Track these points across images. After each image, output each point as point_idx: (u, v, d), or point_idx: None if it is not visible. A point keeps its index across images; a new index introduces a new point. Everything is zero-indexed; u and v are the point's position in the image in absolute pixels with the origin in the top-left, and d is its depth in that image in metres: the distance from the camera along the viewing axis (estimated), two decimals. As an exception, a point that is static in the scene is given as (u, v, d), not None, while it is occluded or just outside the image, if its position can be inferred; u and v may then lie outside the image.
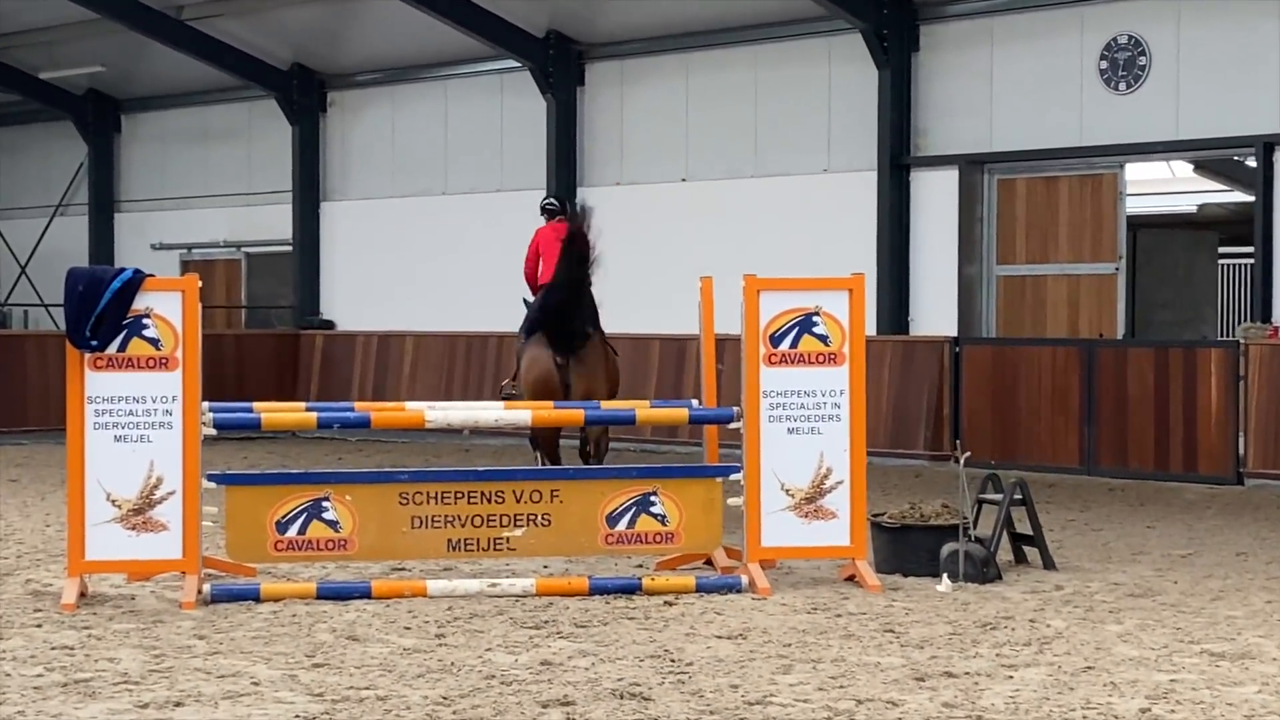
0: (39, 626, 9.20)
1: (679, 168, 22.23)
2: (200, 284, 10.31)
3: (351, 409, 11.53)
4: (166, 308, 10.17)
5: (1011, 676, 8.00)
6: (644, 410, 11.41)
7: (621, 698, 7.47)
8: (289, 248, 26.22)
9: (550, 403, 12.01)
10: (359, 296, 25.36)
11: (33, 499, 15.81)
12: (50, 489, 16.58)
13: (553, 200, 16.54)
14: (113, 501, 10.08)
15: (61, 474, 17.63)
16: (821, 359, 10.58)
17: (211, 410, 10.33)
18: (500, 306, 23.54)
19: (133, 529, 10.10)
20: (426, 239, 24.52)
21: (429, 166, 24.73)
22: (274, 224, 26.48)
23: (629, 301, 22.25)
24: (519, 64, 23.00)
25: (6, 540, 12.76)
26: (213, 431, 10.29)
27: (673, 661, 8.28)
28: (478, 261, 23.77)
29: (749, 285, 10.62)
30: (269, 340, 24.99)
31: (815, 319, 10.59)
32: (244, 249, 27.29)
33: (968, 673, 8.06)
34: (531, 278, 15.40)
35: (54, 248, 30.02)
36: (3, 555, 11.97)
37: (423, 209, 24.63)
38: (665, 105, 22.27)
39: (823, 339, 10.59)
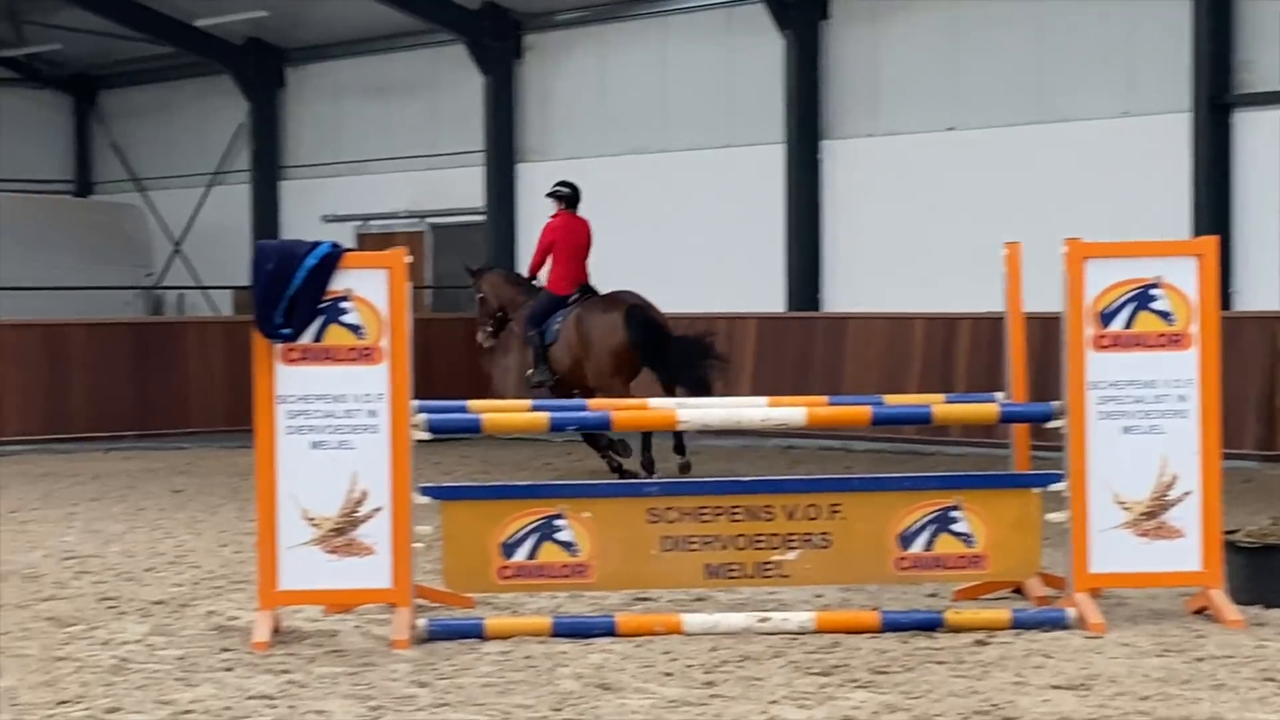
0: (229, 670, 8.97)
1: (945, 115, 21.65)
2: (409, 259, 10.01)
3: (585, 407, 11.12)
4: (369, 288, 9.86)
5: None
6: (942, 406, 10.82)
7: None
8: (480, 217, 26.19)
9: (825, 398, 11.51)
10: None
11: (202, 513, 15.80)
12: (220, 501, 16.72)
13: (562, 185, 18.03)
14: (310, 520, 9.81)
15: (232, 483, 18.10)
16: (1163, 341, 9.96)
17: (423, 410, 10.00)
18: (729, 282, 23.29)
19: (333, 552, 9.82)
20: (641, 204, 24.24)
21: (644, 120, 24.45)
22: (463, 190, 26.43)
23: (884, 274, 21.77)
24: (750, -4, 22.65)
25: (180, 564, 12.66)
26: (425, 436, 9.97)
27: None
28: (702, 230, 23.44)
29: (1072, 251, 10.00)
30: (458, 325, 24.70)
31: (1155, 292, 9.95)
32: (428, 219, 27.35)
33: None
34: (536, 270, 18.10)
35: (211, 222, 30.40)
36: (177, 582, 11.85)
37: (637, 169, 24.39)
38: (928, 42, 21.74)
39: (1164, 316, 9.95)
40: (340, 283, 9.84)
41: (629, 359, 17.32)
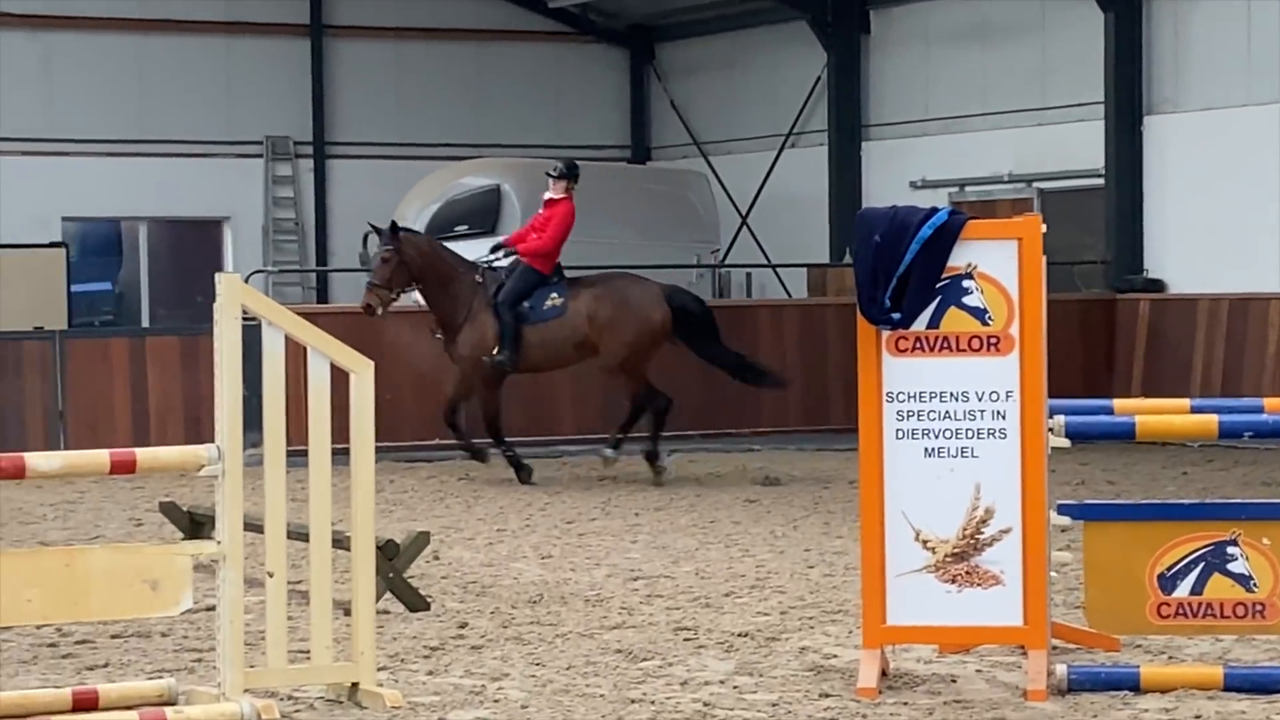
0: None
1: None
2: (1044, 228, 9.54)
3: (1260, 407, 10.41)
4: (996, 264, 9.51)
5: None
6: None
7: None
8: (1098, 180, 25.66)
9: None
10: (1199, 246, 24.50)
11: (782, 527, 15.90)
12: (801, 513, 16.78)
13: (558, 164, 20.13)
14: (924, 543, 9.50)
15: (813, 492, 18.05)
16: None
17: (1060, 411, 9.51)
18: None
19: (951, 581, 9.49)
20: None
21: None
22: (1077, 149, 25.99)
23: None
24: None
25: (762, 588, 12.66)
26: (1065, 443, 9.52)
27: None
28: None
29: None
30: (1072, 308, 24.23)
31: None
32: (1036, 183, 26.94)
33: None
34: (553, 251, 19.68)
35: (782, 190, 30.46)
36: (762, 610, 11.80)
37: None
38: None
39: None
40: (961, 257, 9.50)
41: (665, 336, 19.67)
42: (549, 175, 19.98)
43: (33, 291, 27.69)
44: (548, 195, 19.81)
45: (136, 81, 31.15)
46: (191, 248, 33.02)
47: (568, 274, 19.74)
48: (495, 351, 18.84)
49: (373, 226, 20.53)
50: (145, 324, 30.80)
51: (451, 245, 27.67)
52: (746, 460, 21.29)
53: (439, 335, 19.55)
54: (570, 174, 19.72)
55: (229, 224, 32.27)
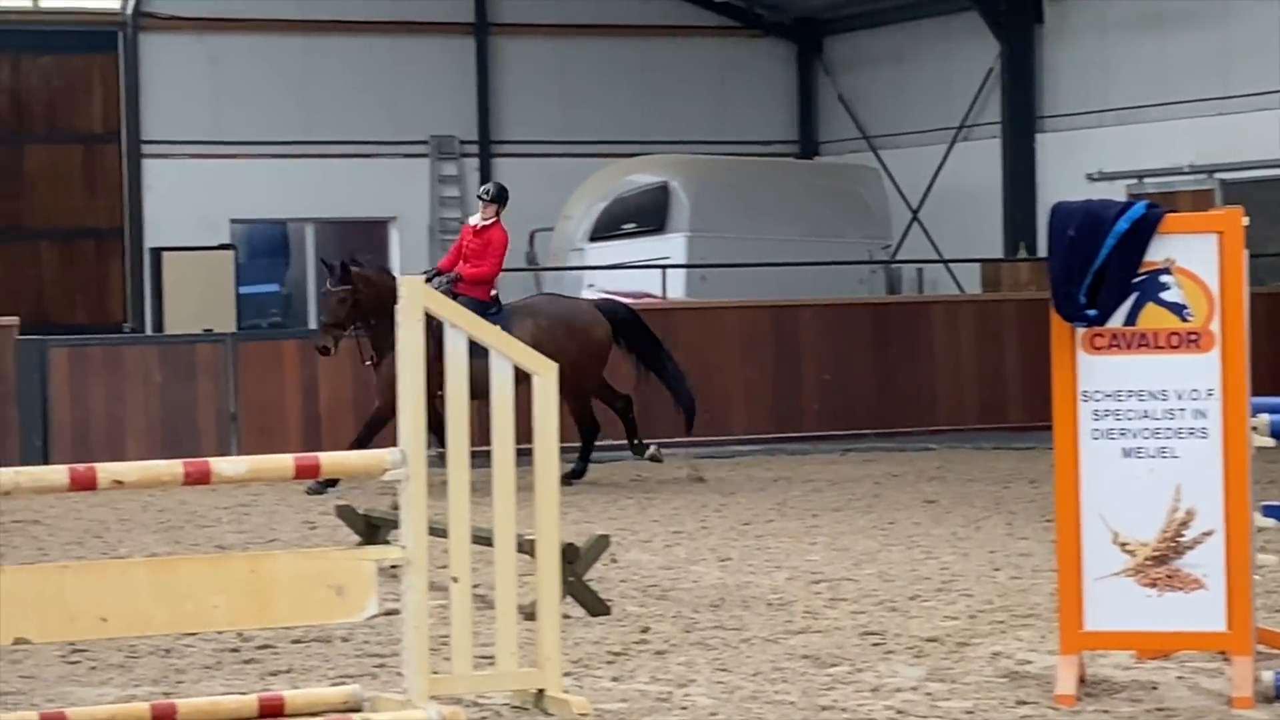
0: None
1: None
2: (1246, 221, 9.37)
3: None
4: (1195, 258, 9.36)
5: None
6: None
7: None
8: None
9: None
10: None
11: (963, 528, 15.71)
12: (982, 514, 16.60)
13: (489, 188, 19.72)
14: (1122, 546, 9.33)
15: (993, 492, 17.88)
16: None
17: (1263, 410, 9.34)
18: None
19: (1151, 585, 9.31)
20: None
21: None
22: (1259, 139, 25.79)
23: None
24: None
25: (948, 591, 12.51)
26: (1269, 442, 9.34)
27: None
28: None
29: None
30: (1258, 302, 23.80)
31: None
32: (1217, 175, 26.64)
33: None
34: (491, 277, 19.15)
35: (954, 184, 30.32)
36: (950, 613, 11.66)
37: None
38: None
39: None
40: (1158, 251, 9.35)
41: (609, 350, 19.87)
42: (480, 199, 19.65)
43: (202, 294, 27.98)
44: (476, 220, 19.39)
45: (301, 83, 31.40)
46: (358, 248, 33.21)
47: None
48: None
49: (324, 263, 20.02)
50: (312, 325, 31.00)
51: (621, 244, 27.84)
52: (924, 460, 21.10)
53: (369, 363, 19.20)
54: (500, 198, 19.40)
55: (395, 224, 32.49)
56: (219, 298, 28.07)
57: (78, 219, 30.96)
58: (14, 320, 21.25)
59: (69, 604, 8.61)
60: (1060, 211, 9.57)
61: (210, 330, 23.97)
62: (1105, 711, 8.88)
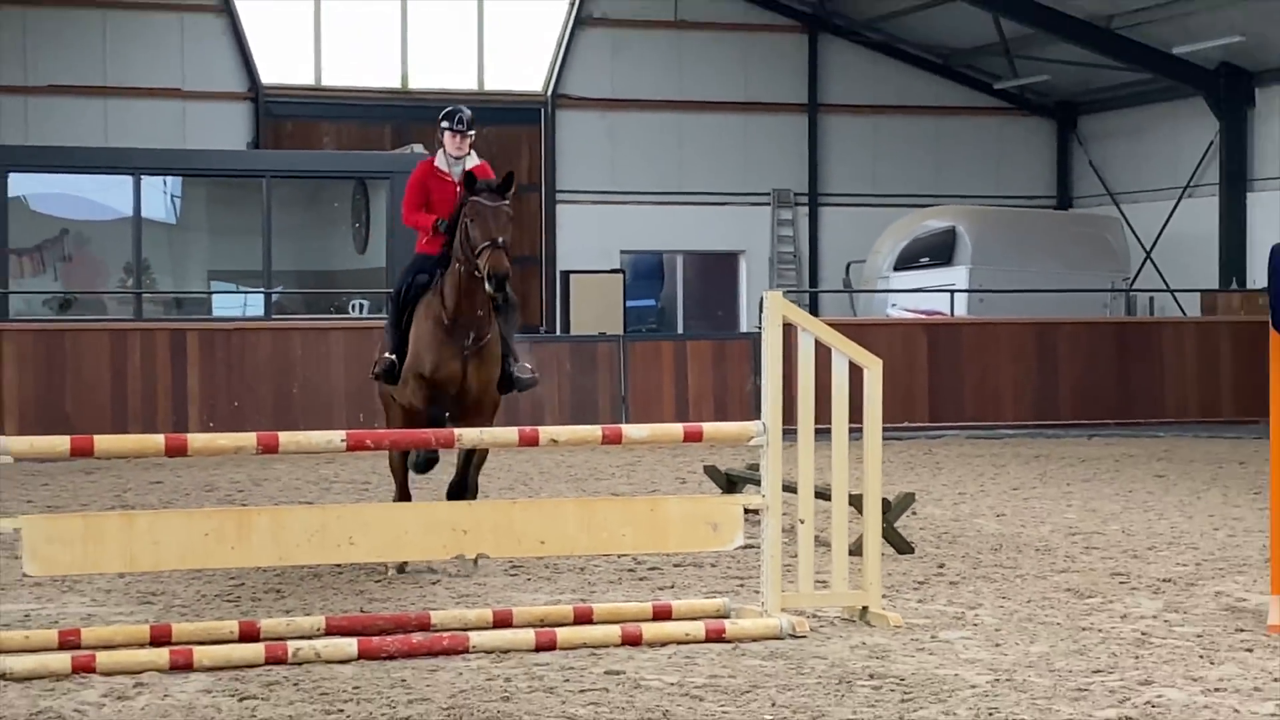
0: (1249, 651, 8.34)
1: None
2: None
3: None
4: None
5: None
6: None
7: None
8: None
9: None
10: None
11: (1187, 497, 15.29)
12: (1203, 487, 16.16)
13: (463, 115, 11.01)
14: None
15: (1210, 470, 17.60)
16: None
17: None
18: None
19: None
20: None
21: None
22: None
23: None
24: None
25: (1177, 544, 12.17)
26: None
27: None
28: None
29: None
30: None
31: None
32: None
33: None
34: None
35: (1180, 231, 29.73)
36: (1180, 561, 11.36)
37: None
38: None
39: None
40: None
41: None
42: (458, 131, 10.94)
43: (599, 306, 28.26)
44: (456, 163, 11.04)
45: (676, 147, 31.58)
46: (715, 274, 33.36)
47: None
48: None
49: None
50: (679, 330, 31.29)
51: (917, 273, 27.69)
52: (1154, 444, 20.68)
53: None
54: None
55: (743, 256, 32.53)
56: (610, 309, 28.33)
57: (514, 249, 31.46)
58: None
59: (516, 530, 8.84)
60: (1278, 251, 9.40)
61: (603, 333, 24.24)
62: None
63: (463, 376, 10.25)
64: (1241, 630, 8.85)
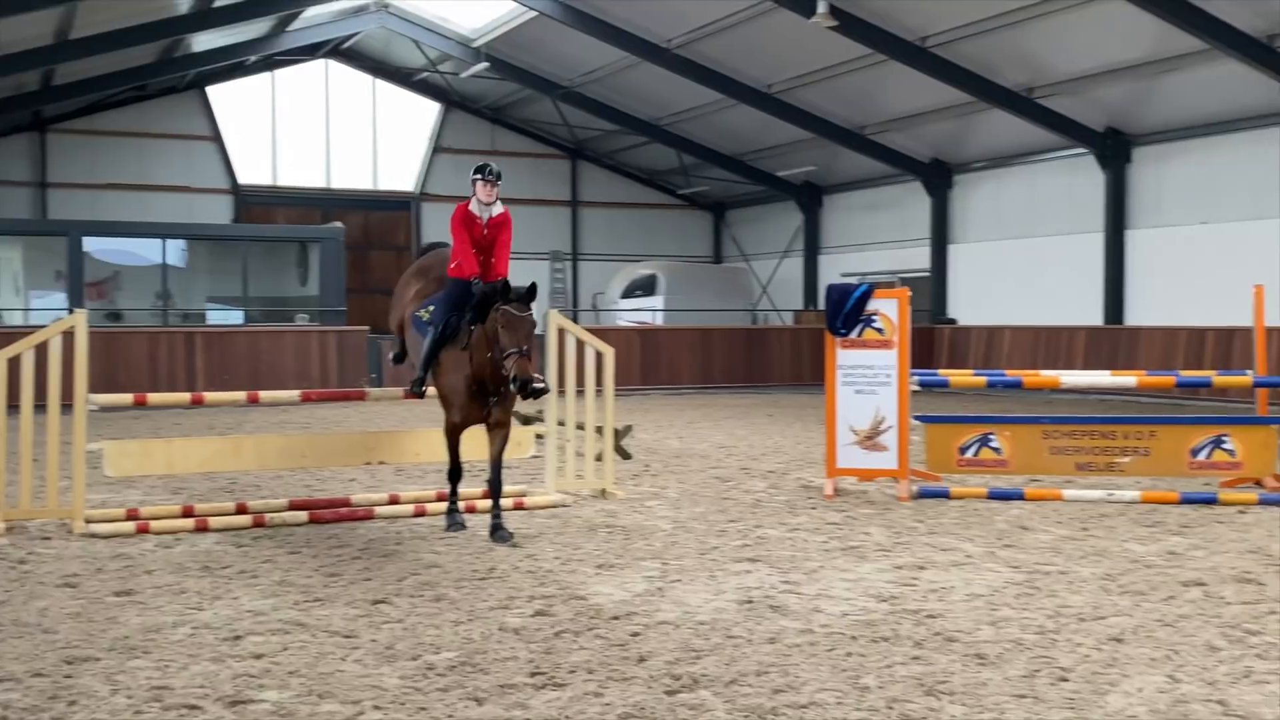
0: (814, 509, 8.65)
1: (1200, 214, 19.66)
2: (911, 294, 9.55)
3: (1004, 374, 10.43)
4: (888, 309, 9.38)
5: None
6: (1218, 376, 9.68)
7: (1241, 582, 6.23)
8: (927, 274, 25.05)
9: (1143, 371, 10.45)
10: (976, 302, 23.88)
11: (784, 427, 15.32)
12: (794, 421, 16.13)
13: (493, 167, 7.93)
14: (853, 431, 9.37)
15: (799, 412, 17.49)
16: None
17: (916, 374, 9.47)
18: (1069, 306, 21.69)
19: (865, 449, 9.35)
20: (1017, 269, 22.80)
21: (1018, 216, 23.02)
22: (916, 259, 25.37)
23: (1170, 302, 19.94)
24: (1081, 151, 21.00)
25: (779, 453, 12.27)
26: (916, 388, 9.35)
27: (1267, 556, 6.89)
28: (1057, 281, 22.05)
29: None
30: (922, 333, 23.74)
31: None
32: (899, 275, 25.88)
33: None
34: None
35: (781, 277, 30.08)
36: (779, 462, 11.53)
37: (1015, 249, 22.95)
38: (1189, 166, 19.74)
39: None
40: (872, 306, 9.36)
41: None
42: (488, 180, 7.81)
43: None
44: (485, 208, 7.87)
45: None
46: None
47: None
48: None
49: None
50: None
51: (633, 301, 27.69)
52: (766, 397, 20.59)
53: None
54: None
55: (533, 289, 32.23)
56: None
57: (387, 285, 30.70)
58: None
59: (400, 447, 8.70)
60: (831, 288, 9.52)
61: None
62: (846, 502, 8.81)
63: (486, 416, 7.75)
64: (811, 498, 9.14)
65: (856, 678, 4.53)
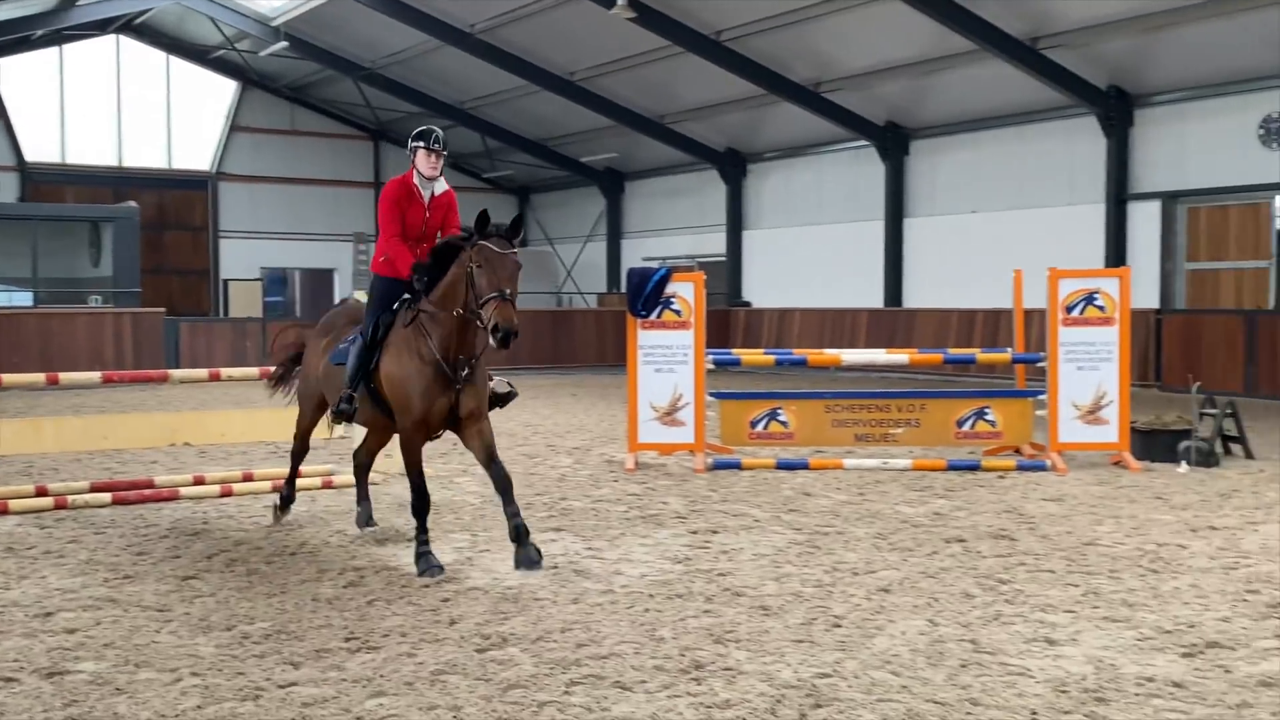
0: (616, 481, 8.93)
1: (970, 204, 20.97)
2: (706, 277, 9.92)
3: (791, 353, 11.00)
4: (685, 292, 9.63)
5: (1257, 530, 7.06)
6: (980, 353, 10.47)
7: (996, 538, 6.86)
8: (723, 258, 25.63)
9: (914, 349, 11.18)
10: (769, 285, 24.79)
11: (588, 405, 15.49)
12: (598, 400, 16.29)
13: (438, 134, 6.46)
14: (654, 408, 9.65)
15: (603, 392, 17.48)
16: (1100, 321, 9.57)
17: (711, 354, 9.85)
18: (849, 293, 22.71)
19: (665, 424, 9.64)
20: (806, 254, 23.73)
21: (808, 204, 23.95)
22: (714, 244, 26.02)
23: (943, 288, 21.13)
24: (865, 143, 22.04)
25: (585, 431, 12.44)
26: (712, 367, 9.76)
27: (1020, 515, 7.59)
28: (843, 266, 23.00)
29: (1052, 275, 9.68)
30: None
31: (1096, 296, 9.61)
32: (697, 259, 26.25)
33: (1226, 526, 7.15)
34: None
35: (586, 260, 30.32)
36: (583, 438, 11.73)
37: (802, 234, 23.87)
38: (958, 162, 21.02)
39: (1101, 309, 9.58)
40: (671, 289, 9.61)
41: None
42: (434, 149, 6.36)
43: (246, 301, 27.14)
44: (428, 184, 6.42)
45: (293, 205, 30.26)
46: (319, 283, 31.99)
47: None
48: None
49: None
50: (299, 315, 30.16)
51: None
52: (572, 377, 20.65)
53: None
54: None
55: (336, 272, 31.45)
56: (254, 303, 27.18)
57: (191, 267, 29.94)
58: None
59: (206, 427, 8.63)
60: (631, 271, 9.76)
61: (251, 317, 22.90)
62: (646, 475, 9.13)
63: (454, 406, 5.94)
64: (613, 471, 9.39)
65: (653, 630, 4.83)
